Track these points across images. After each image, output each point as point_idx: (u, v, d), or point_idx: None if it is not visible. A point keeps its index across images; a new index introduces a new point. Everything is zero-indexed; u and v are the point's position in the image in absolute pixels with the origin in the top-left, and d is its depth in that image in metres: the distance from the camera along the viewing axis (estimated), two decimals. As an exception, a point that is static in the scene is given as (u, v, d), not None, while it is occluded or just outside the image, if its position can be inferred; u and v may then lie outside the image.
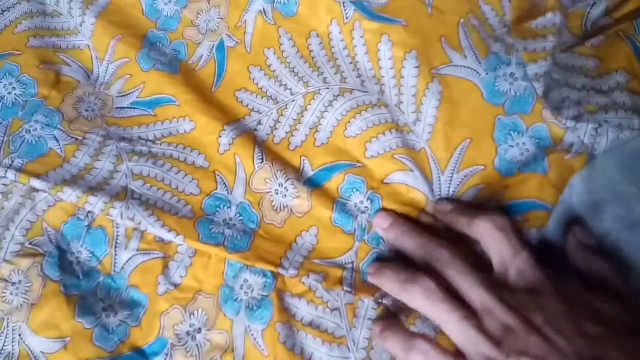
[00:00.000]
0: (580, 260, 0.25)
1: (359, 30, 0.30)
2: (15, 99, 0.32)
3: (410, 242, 0.27)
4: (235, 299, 0.28)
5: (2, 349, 0.27)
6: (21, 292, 0.28)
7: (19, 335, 0.27)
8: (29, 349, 0.27)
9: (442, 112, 0.29)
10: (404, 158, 0.29)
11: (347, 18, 0.30)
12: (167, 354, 0.28)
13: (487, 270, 0.25)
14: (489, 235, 0.25)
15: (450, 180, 0.29)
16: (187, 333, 0.28)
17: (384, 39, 0.29)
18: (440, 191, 0.29)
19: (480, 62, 0.29)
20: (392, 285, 0.26)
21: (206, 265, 0.29)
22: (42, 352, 0.27)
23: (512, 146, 0.28)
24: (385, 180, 0.29)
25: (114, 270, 0.29)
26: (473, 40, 0.30)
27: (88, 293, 0.28)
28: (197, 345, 0.28)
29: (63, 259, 0.28)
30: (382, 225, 0.28)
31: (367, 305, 0.28)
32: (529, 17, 0.31)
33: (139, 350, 0.28)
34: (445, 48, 0.30)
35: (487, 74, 0.29)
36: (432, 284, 0.24)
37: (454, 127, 0.29)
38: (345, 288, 0.28)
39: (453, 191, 0.29)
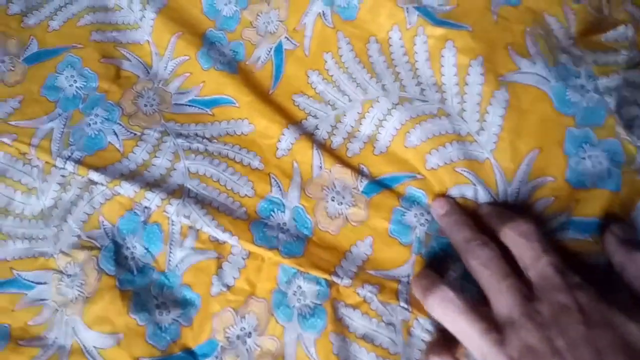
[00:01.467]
0: (621, 260, 0.25)
1: (422, 36, 0.30)
2: (76, 91, 0.33)
3: (457, 234, 0.27)
4: (288, 305, 0.28)
5: (54, 341, 0.27)
6: (76, 285, 0.28)
7: (72, 328, 0.28)
8: (82, 343, 0.27)
9: (508, 121, 0.28)
10: (466, 172, 0.28)
11: (410, 24, 0.30)
12: (217, 357, 0.27)
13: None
14: (513, 242, 0.25)
15: (518, 192, 0.28)
16: (238, 337, 0.28)
17: (448, 45, 0.29)
18: (507, 204, 0.28)
19: (549, 70, 0.28)
20: (416, 292, 0.26)
21: (259, 269, 0.29)
22: (94, 347, 0.27)
23: (584, 158, 0.28)
24: (446, 194, 0.29)
25: (168, 268, 0.29)
26: (541, 47, 0.29)
27: (142, 289, 0.28)
28: (247, 349, 0.27)
29: (118, 254, 0.29)
30: (438, 212, 0.28)
31: (422, 326, 0.27)
32: (597, 30, 0.30)
33: (189, 351, 0.28)
34: (512, 55, 0.29)
35: (557, 82, 0.28)
36: (450, 293, 0.24)
37: (521, 137, 0.28)
38: (401, 304, 0.27)
39: (521, 203, 0.28)
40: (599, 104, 0.28)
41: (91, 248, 0.29)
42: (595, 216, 0.27)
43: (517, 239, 0.25)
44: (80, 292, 0.28)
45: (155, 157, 0.30)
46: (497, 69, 0.29)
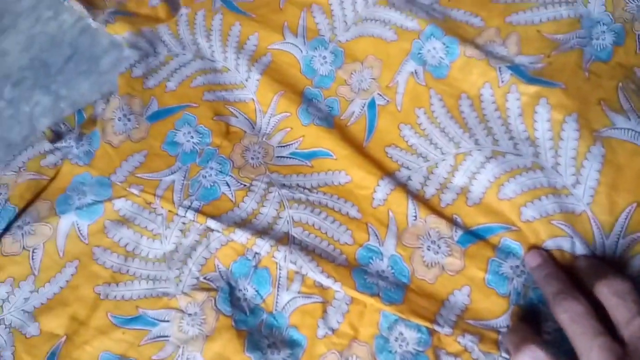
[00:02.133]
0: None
1: (516, 94, 0.31)
2: (193, 146, 0.36)
3: (549, 287, 0.27)
4: (390, 351, 0.29)
5: None
6: (197, 324, 0.31)
7: None
8: None
9: (605, 176, 0.29)
10: (562, 224, 0.29)
11: (502, 82, 0.31)
12: None
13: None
14: (607, 299, 0.25)
15: (616, 245, 0.28)
16: None
17: (542, 102, 0.31)
18: (604, 256, 0.28)
19: None
20: (508, 347, 0.27)
21: (362, 314, 0.30)
22: None
23: None
24: (542, 247, 0.30)
25: (276, 310, 0.31)
26: (635, 103, 0.30)
27: (254, 329, 0.31)
28: None
29: (233, 295, 0.32)
30: (530, 264, 0.29)
31: None
32: None
33: None
34: (606, 111, 0.30)
35: None
36: (540, 352, 0.24)
37: (618, 191, 0.29)
38: (502, 354, 0.28)
39: (619, 257, 0.28)
40: None
41: (209, 290, 0.32)
42: None
43: (612, 297, 0.25)
44: (200, 330, 0.31)
45: (263, 206, 0.33)
46: (592, 125, 0.30)
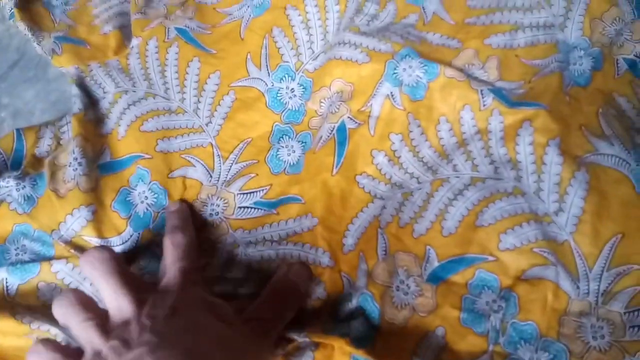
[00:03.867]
0: None
1: (499, 117, 0.33)
2: (147, 208, 0.36)
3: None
4: None
5: None
6: None
7: None
8: None
9: (589, 204, 0.30)
10: (544, 252, 0.30)
11: (484, 105, 0.33)
12: None
13: None
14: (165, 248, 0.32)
15: (600, 279, 0.29)
16: None
17: (525, 125, 0.33)
18: (588, 289, 0.30)
19: (629, 152, 0.29)
20: None
21: (330, 358, 0.31)
22: None
23: None
24: (522, 277, 0.30)
25: None
26: (616, 129, 0.30)
27: None
28: None
29: None
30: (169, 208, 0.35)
31: None
32: None
33: None
34: (588, 136, 0.32)
35: (637, 165, 0.31)
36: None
37: (602, 220, 0.30)
38: None
39: (603, 291, 0.29)
40: None
41: None
42: None
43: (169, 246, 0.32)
44: None
45: (229, 272, 0.34)
46: (574, 150, 0.32)
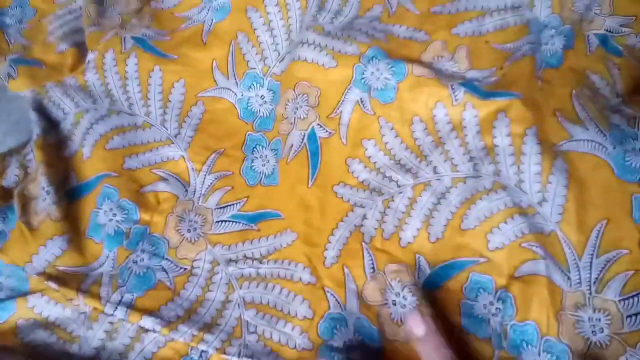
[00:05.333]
0: None
1: (472, 111, 0.33)
2: (117, 226, 0.35)
3: None
4: None
5: None
6: None
7: None
8: None
9: (572, 191, 0.30)
10: (533, 246, 0.30)
11: (456, 100, 0.31)
12: None
13: None
14: None
15: (590, 265, 0.29)
16: None
17: (500, 117, 0.32)
18: (579, 279, 0.29)
19: (605, 135, 0.29)
20: None
21: None
22: None
23: None
24: (515, 274, 0.30)
25: None
26: (591, 111, 0.29)
27: None
28: None
29: None
30: (414, 332, 0.28)
31: None
32: None
33: None
34: (562, 122, 0.31)
35: (614, 148, 0.30)
36: None
37: (586, 208, 0.30)
38: None
39: (595, 279, 0.29)
40: None
41: None
42: None
43: None
44: None
45: (209, 291, 0.33)
46: (550, 138, 0.31)
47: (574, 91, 0.31)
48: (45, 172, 0.35)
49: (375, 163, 0.34)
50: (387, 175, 0.33)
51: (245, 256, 0.33)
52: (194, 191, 0.36)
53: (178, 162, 0.37)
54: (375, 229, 0.33)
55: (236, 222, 0.35)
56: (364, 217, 0.33)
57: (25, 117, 0.39)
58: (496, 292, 0.30)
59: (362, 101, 0.35)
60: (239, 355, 0.30)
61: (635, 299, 0.28)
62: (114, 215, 0.35)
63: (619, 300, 0.28)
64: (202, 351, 0.31)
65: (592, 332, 0.27)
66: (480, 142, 0.32)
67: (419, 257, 0.31)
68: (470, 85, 0.33)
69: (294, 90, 0.36)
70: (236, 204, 0.35)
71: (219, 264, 0.33)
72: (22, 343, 0.31)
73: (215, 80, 0.38)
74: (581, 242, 0.29)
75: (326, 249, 0.32)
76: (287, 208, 0.34)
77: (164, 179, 0.36)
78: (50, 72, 0.39)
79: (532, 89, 0.32)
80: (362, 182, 0.34)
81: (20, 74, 0.38)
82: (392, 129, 0.34)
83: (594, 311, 0.28)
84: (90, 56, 0.39)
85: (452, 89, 0.32)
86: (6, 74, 0.38)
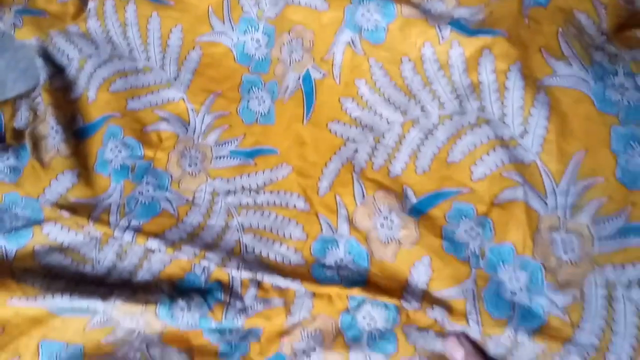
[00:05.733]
0: None
1: (458, 49, 0.34)
2: (123, 161, 0.37)
3: None
4: (358, 328, 0.31)
5: None
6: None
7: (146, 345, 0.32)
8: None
9: (553, 123, 0.31)
10: (513, 174, 0.31)
11: (443, 38, 0.32)
12: None
13: None
14: None
15: (567, 192, 0.31)
16: (303, 351, 0.31)
17: (485, 53, 0.33)
18: (556, 204, 0.31)
19: (587, 71, 0.30)
20: None
21: (329, 302, 0.32)
22: None
23: (634, 156, 0.30)
24: (495, 202, 0.32)
25: (225, 319, 0.32)
26: (575, 48, 0.31)
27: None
28: None
29: (174, 307, 0.32)
30: (454, 356, 0.30)
31: (498, 341, 0.29)
32: (630, 25, 0.33)
33: None
34: (547, 58, 0.33)
35: (595, 83, 0.31)
36: None
37: (567, 138, 0.31)
38: (471, 325, 0.30)
39: (571, 204, 0.31)
40: None
41: (146, 302, 0.32)
42: None
43: None
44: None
45: (210, 218, 0.35)
46: (534, 74, 0.32)
47: (560, 29, 0.33)
48: (53, 113, 0.37)
49: (367, 101, 0.35)
50: (378, 113, 0.35)
51: (243, 187, 0.36)
52: (194, 130, 0.38)
53: (178, 103, 0.39)
54: (365, 161, 0.34)
55: (234, 158, 0.37)
56: (356, 151, 0.35)
57: (32, 65, 0.41)
58: (477, 219, 0.31)
59: (353, 42, 0.36)
60: (237, 268, 0.32)
61: (606, 223, 0.30)
62: (120, 151, 0.37)
63: (591, 224, 0.30)
64: (205, 267, 0.33)
65: (564, 251, 0.30)
66: (466, 79, 0.33)
67: (406, 188, 0.33)
68: (456, 24, 0.34)
69: (289, 34, 0.38)
70: (234, 140, 0.37)
71: (218, 195, 0.35)
72: (40, 265, 0.34)
73: (211, 25, 0.39)
74: (560, 171, 0.31)
75: (320, 180, 0.34)
76: (282, 144, 0.36)
77: (165, 119, 0.38)
78: (53, 21, 0.40)
79: (519, 27, 0.33)
80: (355, 119, 0.35)
81: (25, 23, 0.39)
82: (381, 68, 0.35)
83: (567, 233, 0.30)
84: (91, 4, 0.40)
85: (439, 28, 0.34)
86: (12, 24, 0.40)
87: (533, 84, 0.32)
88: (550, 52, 0.32)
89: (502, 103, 0.32)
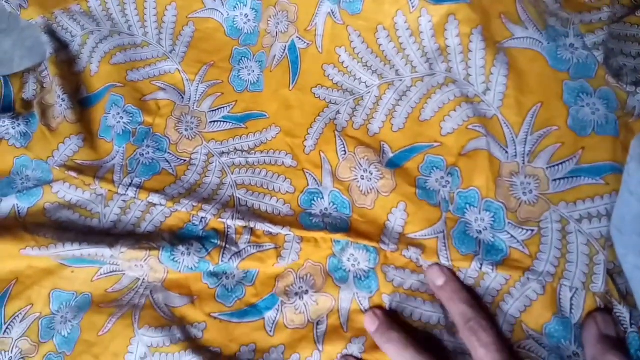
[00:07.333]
0: (595, 356, 0.29)
1: (427, 16, 0.36)
2: (124, 127, 0.40)
3: (457, 309, 0.31)
4: (344, 269, 0.35)
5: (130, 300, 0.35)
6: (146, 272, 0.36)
7: (150, 291, 0.35)
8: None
9: (511, 80, 0.35)
10: (477, 127, 0.35)
11: (413, 7, 0.35)
12: (278, 310, 0.34)
13: None
14: None
15: (525, 141, 0.34)
16: (296, 293, 0.35)
17: (450, 19, 0.36)
18: (515, 152, 0.34)
19: (541, 33, 0.33)
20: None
21: (315, 245, 0.36)
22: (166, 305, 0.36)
23: (583, 106, 0.34)
24: (462, 152, 0.35)
25: (222, 261, 0.35)
26: (531, 14, 0.33)
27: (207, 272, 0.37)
28: (304, 304, 0.35)
29: (176, 252, 0.35)
30: (436, 282, 0.33)
31: (465, 275, 0.33)
32: None
33: (253, 306, 0.35)
34: (506, 23, 0.36)
35: (548, 43, 0.35)
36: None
37: (524, 93, 0.35)
38: (442, 261, 0.33)
39: (529, 151, 0.34)
40: (588, 59, 0.34)
41: (149, 249, 0.35)
42: (602, 161, 0.32)
43: None
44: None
45: (206, 176, 0.38)
46: (495, 37, 0.36)
47: None
48: (59, 83, 0.40)
49: (347, 67, 0.39)
50: (357, 77, 0.38)
51: (235, 149, 0.39)
52: (189, 98, 0.41)
53: (174, 74, 0.42)
54: (347, 121, 0.38)
55: (227, 122, 0.40)
56: (338, 112, 0.38)
57: (37, 44, 0.44)
58: (447, 169, 0.35)
59: (332, 12, 0.39)
60: (232, 219, 0.35)
61: (560, 166, 0.33)
62: (121, 118, 0.40)
63: (547, 168, 0.33)
64: (202, 218, 0.37)
65: (523, 193, 0.33)
66: (435, 44, 0.36)
67: (383, 144, 0.37)
68: None
69: (275, 7, 0.41)
70: (226, 107, 0.40)
71: (213, 156, 0.39)
72: (51, 220, 0.38)
73: (203, 3, 0.42)
74: (518, 123, 0.34)
75: (305, 140, 0.38)
76: (271, 109, 0.39)
77: (162, 89, 0.41)
78: (57, 1, 0.43)
79: None
80: (336, 83, 0.39)
81: (30, 3, 0.42)
82: (359, 36, 0.38)
83: (526, 177, 0.33)
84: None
85: None
86: (18, 5, 0.42)
87: (493, 45, 0.35)
88: (509, 18, 0.35)
89: (467, 64, 0.35)
